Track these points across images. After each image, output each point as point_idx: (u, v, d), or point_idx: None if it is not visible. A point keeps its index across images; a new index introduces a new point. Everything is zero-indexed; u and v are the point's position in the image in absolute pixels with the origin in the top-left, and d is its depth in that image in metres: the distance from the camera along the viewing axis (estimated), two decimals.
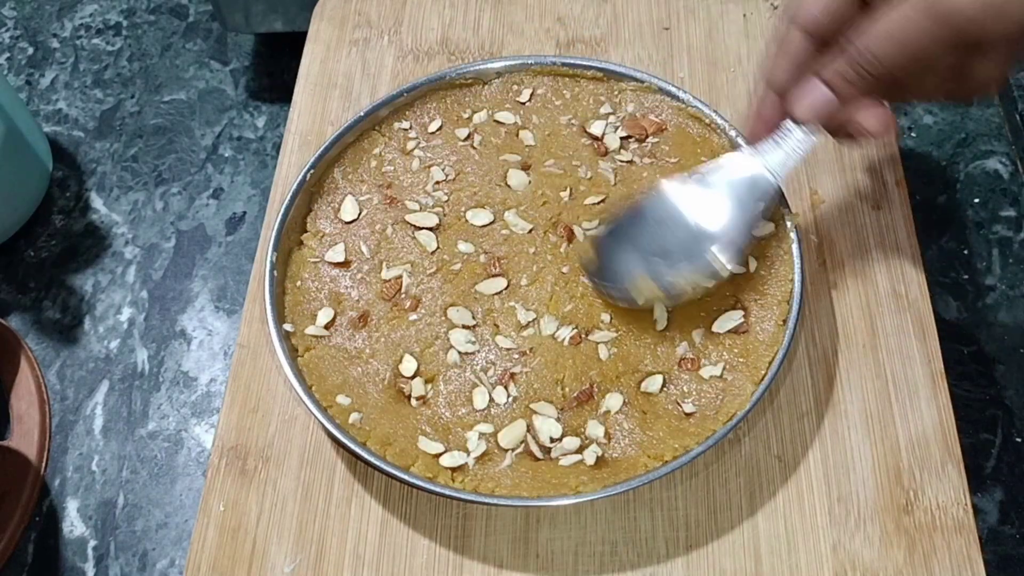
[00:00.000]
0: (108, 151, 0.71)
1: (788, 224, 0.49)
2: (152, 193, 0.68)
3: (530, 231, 0.52)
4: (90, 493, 0.56)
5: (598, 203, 0.52)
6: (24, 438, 0.57)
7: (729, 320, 0.48)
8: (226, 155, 0.70)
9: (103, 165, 0.70)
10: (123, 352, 0.61)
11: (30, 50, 0.78)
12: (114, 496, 0.56)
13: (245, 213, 0.67)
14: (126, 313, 0.62)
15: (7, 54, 0.78)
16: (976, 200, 0.63)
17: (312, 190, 0.53)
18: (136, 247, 0.66)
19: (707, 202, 0.47)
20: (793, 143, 0.45)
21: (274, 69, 0.74)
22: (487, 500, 0.43)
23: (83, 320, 0.62)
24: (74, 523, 0.55)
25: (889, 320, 0.51)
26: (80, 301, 0.63)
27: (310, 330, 0.49)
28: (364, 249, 0.52)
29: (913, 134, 0.66)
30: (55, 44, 0.78)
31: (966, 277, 0.60)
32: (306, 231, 0.53)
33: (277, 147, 0.67)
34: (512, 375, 0.47)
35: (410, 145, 0.55)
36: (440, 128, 0.56)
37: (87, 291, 0.64)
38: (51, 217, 0.67)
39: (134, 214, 0.67)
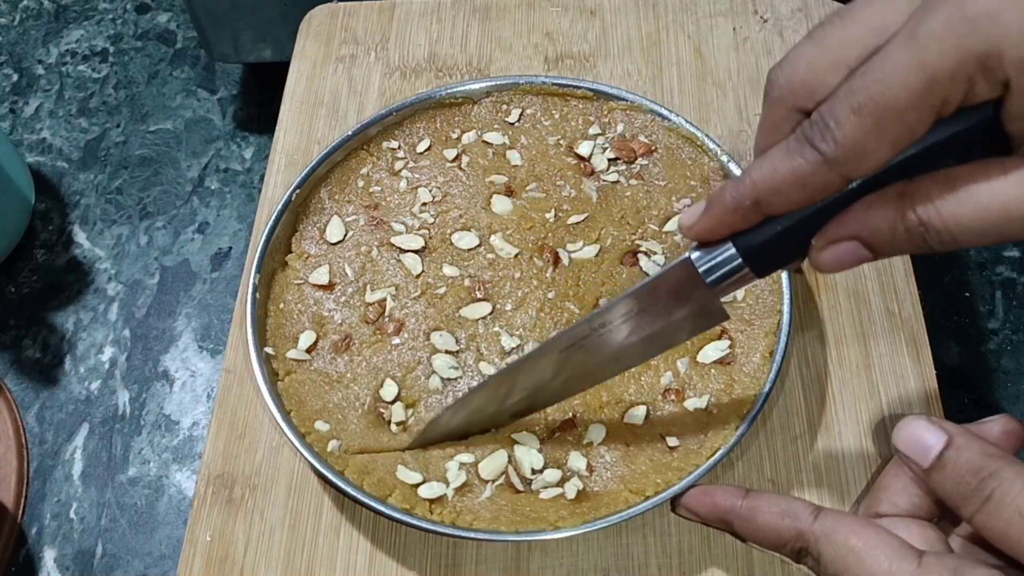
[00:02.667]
0: (92, 183, 0.69)
1: None
2: (136, 227, 0.67)
3: (516, 255, 0.51)
4: (68, 542, 0.54)
5: (580, 222, 0.52)
6: (1, 484, 0.56)
7: (715, 350, 0.48)
8: (212, 187, 0.68)
9: (87, 197, 0.69)
10: (104, 394, 0.59)
11: (14, 77, 0.76)
12: (92, 545, 0.54)
13: (231, 248, 0.65)
14: (108, 353, 0.61)
15: None
16: None
17: (298, 210, 0.53)
18: (119, 283, 0.64)
19: None
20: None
21: (263, 98, 0.73)
22: (463, 534, 0.43)
23: (64, 360, 0.61)
24: (51, 573, 0.53)
25: (883, 339, 0.50)
26: (61, 340, 0.62)
27: (291, 353, 0.48)
28: (349, 271, 0.51)
29: None
30: (40, 71, 0.77)
31: (967, 321, 0.58)
32: (291, 252, 0.52)
33: (264, 179, 0.66)
34: None
35: (398, 165, 0.55)
36: (429, 148, 0.56)
37: (68, 329, 0.62)
38: (33, 251, 0.66)
39: (117, 248, 0.66)
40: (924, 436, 0.36)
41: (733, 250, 0.36)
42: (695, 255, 0.37)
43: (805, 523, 0.38)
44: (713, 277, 0.36)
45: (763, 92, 0.36)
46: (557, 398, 0.46)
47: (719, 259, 0.36)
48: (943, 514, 0.40)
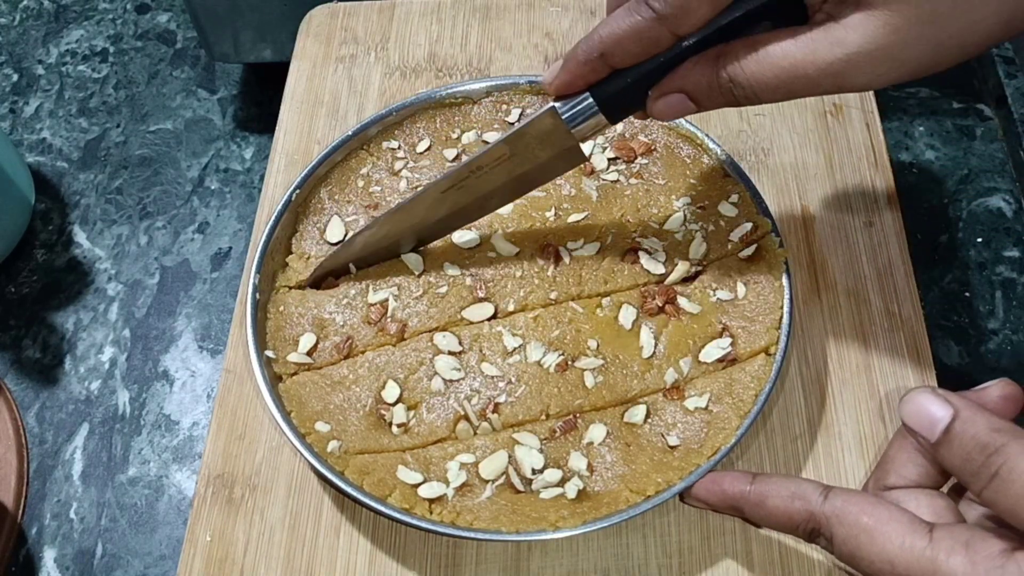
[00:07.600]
0: (92, 183, 0.69)
1: (777, 243, 0.49)
2: (136, 227, 0.67)
3: (517, 254, 0.51)
4: (68, 542, 0.54)
5: (581, 220, 0.52)
6: (1, 484, 0.56)
7: (717, 348, 0.48)
8: (212, 187, 0.68)
9: (87, 197, 0.69)
10: (104, 394, 0.59)
11: (15, 77, 0.76)
12: (92, 545, 0.54)
13: (231, 248, 0.65)
14: (108, 353, 0.61)
15: None
16: (979, 240, 0.62)
17: (298, 210, 0.53)
18: (119, 283, 0.64)
19: None
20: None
21: (262, 98, 0.73)
22: (463, 534, 0.43)
23: (64, 360, 0.61)
24: (51, 573, 0.53)
25: (882, 339, 0.50)
26: (61, 340, 0.62)
27: (292, 356, 0.49)
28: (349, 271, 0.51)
29: (914, 170, 0.65)
30: (40, 71, 0.77)
31: (967, 320, 0.58)
32: (291, 252, 0.52)
33: (264, 179, 0.66)
34: (496, 404, 0.47)
35: (398, 165, 0.55)
36: (429, 148, 0.56)
37: (68, 329, 0.62)
38: (33, 251, 0.66)
39: (118, 248, 0.66)
40: (931, 409, 0.36)
41: (590, 99, 0.42)
42: (558, 104, 0.43)
43: (815, 504, 0.38)
44: (574, 122, 0.43)
45: None
46: (442, 231, 0.51)
47: (579, 107, 0.43)
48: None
